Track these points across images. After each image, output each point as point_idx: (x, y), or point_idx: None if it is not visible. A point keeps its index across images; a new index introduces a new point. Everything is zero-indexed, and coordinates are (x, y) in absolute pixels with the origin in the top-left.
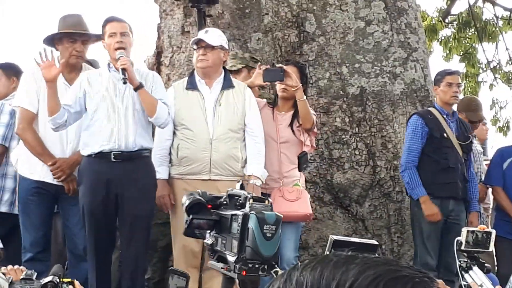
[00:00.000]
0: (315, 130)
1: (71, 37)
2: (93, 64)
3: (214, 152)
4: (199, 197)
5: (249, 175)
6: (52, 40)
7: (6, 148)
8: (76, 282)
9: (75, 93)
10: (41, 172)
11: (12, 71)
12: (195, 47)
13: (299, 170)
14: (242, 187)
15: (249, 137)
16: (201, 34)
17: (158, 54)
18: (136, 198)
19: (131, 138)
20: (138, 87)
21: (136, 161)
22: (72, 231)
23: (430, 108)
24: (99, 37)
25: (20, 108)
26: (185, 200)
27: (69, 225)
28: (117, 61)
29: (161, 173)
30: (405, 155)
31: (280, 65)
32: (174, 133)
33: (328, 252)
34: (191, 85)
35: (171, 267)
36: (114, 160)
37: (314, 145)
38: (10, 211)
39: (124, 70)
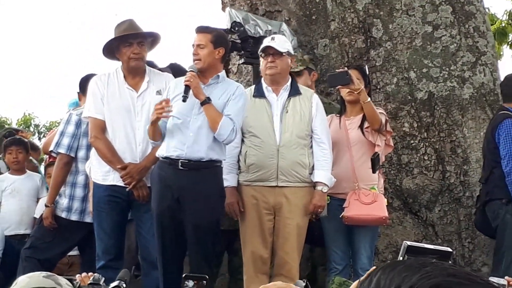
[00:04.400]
0: (388, 128)
1: (126, 42)
2: (152, 64)
3: (281, 159)
4: None
5: (316, 182)
6: (113, 53)
7: (72, 158)
8: None
9: None
10: (113, 176)
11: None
12: (262, 54)
13: (373, 172)
14: None
15: (315, 143)
16: (268, 41)
17: (226, 61)
18: (199, 208)
19: (200, 149)
20: (203, 102)
21: (203, 171)
22: (145, 238)
23: None
24: (155, 36)
25: (90, 118)
26: None
27: (142, 232)
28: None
29: (230, 180)
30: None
31: (345, 68)
32: (242, 140)
33: (401, 258)
34: (258, 93)
35: (186, 274)
36: (181, 168)
37: (391, 144)
38: (81, 219)
39: (187, 87)
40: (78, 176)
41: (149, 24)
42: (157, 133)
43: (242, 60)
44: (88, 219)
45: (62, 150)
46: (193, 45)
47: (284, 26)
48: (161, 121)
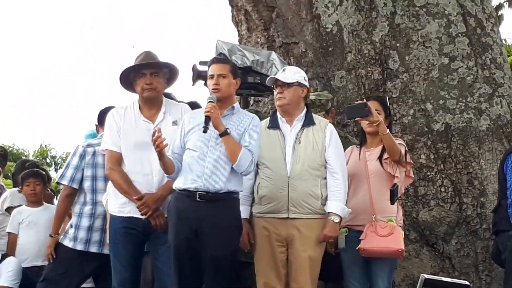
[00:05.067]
0: (408, 159)
1: (140, 73)
2: (169, 97)
3: (292, 190)
4: None
5: (328, 212)
6: (132, 86)
7: (75, 190)
8: None
9: (180, 138)
10: (130, 208)
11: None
12: (273, 86)
13: (391, 203)
14: None
15: (329, 173)
16: (278, 74)
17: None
18: (217, 240)
19: (218, 181)
20: (223, 133)
21: (221, 202)
22: (161, 271)
23: None
24: (171, 67)
25: (106, 151)
26: None
27: (158, 265)
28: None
29: (242, 212)
30: None
31: (364, 101)
32: (256, 172)
33: None
34: (273, 124)
35: None
36: (199, 200)
37: (412, 175)
38: (86, 249)
39: (207, 118)
40: (85, 207)
41: (149, 25)
42: (168, 166)
43: None
44: (93, 249)
45: (64, 182)
46: (211, 75)
47: (274, 55)
48: (176, 154)
